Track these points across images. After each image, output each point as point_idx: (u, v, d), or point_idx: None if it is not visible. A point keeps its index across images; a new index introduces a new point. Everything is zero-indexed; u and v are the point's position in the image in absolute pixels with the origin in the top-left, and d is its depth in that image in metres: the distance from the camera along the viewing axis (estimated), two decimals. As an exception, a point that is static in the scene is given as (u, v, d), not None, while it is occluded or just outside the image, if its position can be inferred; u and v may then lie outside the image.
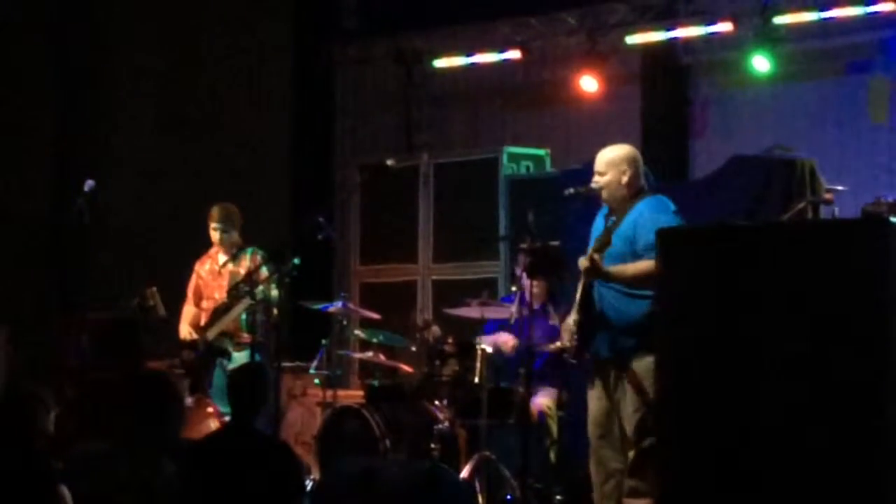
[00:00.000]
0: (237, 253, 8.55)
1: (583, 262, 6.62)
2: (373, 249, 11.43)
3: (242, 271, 8.30)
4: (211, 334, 8.40)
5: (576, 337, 6.84)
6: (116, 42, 12.66)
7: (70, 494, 4.35)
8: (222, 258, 8.68)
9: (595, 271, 6.59)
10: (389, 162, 9.96)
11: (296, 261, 8.07)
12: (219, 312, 8.41)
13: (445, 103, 12.45)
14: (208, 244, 8.82)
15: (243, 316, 8.41)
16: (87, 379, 8.51)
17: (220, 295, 8.50)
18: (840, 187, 7.97)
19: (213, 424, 8.65)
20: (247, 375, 5.89)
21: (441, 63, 11.88)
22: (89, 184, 8.27)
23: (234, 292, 8.25)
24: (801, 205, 7.61)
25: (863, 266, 5.34)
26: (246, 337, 8.33)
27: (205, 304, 8.67)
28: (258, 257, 8.48)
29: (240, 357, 8.33)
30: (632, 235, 6.64)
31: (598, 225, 6.94)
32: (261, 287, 8.06)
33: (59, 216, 11.31)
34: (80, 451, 5.11)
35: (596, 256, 6.56)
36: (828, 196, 7.80)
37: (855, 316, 5.33)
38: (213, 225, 8.63)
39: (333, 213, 11.38)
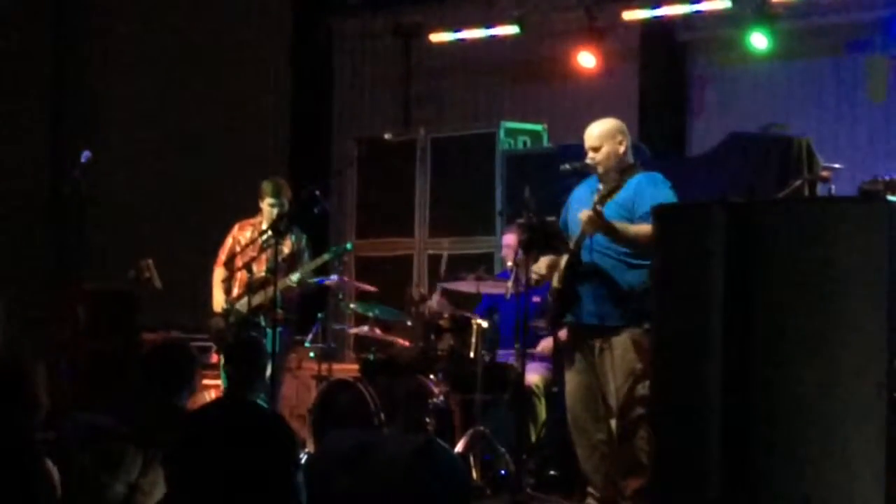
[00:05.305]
0: (283, 231, 8.37)
1: (585, 213, 6.50)
2: (369, 223, 11.41)
3: (286, 250, 8.20)
4: (244, 307, 8.33)
5: (553, 306, 6.83)
6: (115, 13, 12.63)
7: (57, 468, 4.33)
8: None
9: (598, 222, 6.49)
10: (387, 136, 9.98)
11: (348, 246, 8.13)
12: (255, 287, 8.28)
13: (443, 78, 12.43)
14: (209, 216, 8.75)
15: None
16: (82, 350, 8.52)
17: (259, 268, 8.31)
18: (837, 165, 7.96)
19: (209, 396, 8.68)
20: (243, 349, 5.87)
21: (439, 37, 11.84)
22: (86, 155, 8.24)
23: (274, 269, 8.19)
24: (798, 183, 7.60)
25: (861, 244, 5.34)
26: (280, 314, 8.22)
27: (238, 272, 8.49)
28: (303, 241, 8.53)
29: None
30: (630, 204, 6.60)
31: (582, 195, 6.89)
32: (297, 273, 8.07)
33: (56, 187, 11.32)
34: (73, 421, 5.11)
35: (600, 207, 6.46)
36: (824, 174, 7.79)
37: (856, 292, 5.34)
38: (268, 200, 8.48)
39: (330, 187, 11.36)
